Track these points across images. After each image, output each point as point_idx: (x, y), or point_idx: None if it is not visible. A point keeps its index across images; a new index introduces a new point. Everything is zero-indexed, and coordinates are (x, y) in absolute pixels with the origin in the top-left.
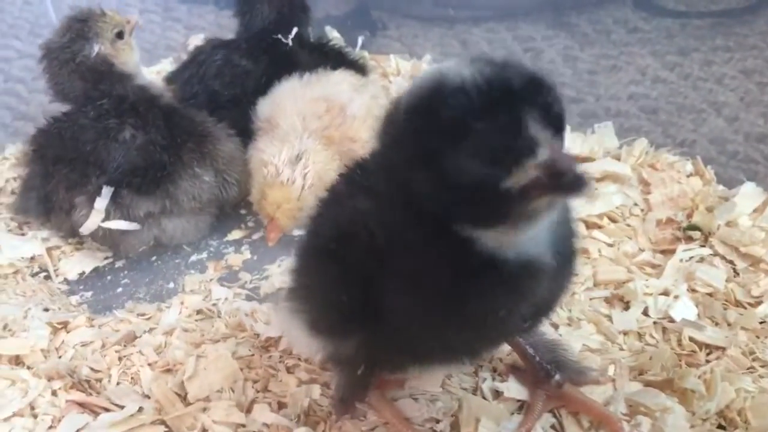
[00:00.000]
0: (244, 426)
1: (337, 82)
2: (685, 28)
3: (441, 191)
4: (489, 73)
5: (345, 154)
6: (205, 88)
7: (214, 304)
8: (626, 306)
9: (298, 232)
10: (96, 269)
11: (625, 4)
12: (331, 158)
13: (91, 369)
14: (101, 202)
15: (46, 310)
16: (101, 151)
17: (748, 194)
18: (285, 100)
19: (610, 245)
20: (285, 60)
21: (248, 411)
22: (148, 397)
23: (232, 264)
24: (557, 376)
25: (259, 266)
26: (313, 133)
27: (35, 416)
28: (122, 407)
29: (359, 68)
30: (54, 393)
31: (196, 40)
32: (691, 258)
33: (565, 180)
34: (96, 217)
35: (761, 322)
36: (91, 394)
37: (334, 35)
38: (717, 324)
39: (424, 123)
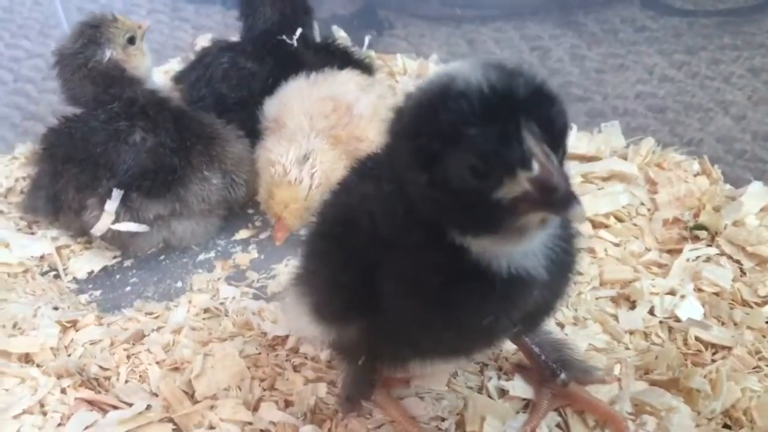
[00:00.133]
0: (251, 424)
1: (344, 81)
2: (693, 27)
3: (434, 196)
4: (494, 79)
5: (352, 153)
6: (212, 92)
7: (221, 303)
8: (632, 305)
9: (305, 232)
10: (105, 268)
11: (633, 3)
12: (338, 158)
13: (100, 367)
14: (111, 205)
15: (56, 308)
16: (111, 154)
17: (755, 194)
18: (292, 100)
19: (617, 245)
20: (290, 61)
21: (255, 409)
22: (156, 395)
23: (239, 263)
24: (563, 375)
25: (267, 265)
26: (320, 132)
27: (45, 414)
28: (131, 405)
29: (365, 68)
30: (63, 391)
31: (204, 41)
32: (697, 257)
33: (556, 197)
34: (106, 219)
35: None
36: (99, 392)
37: (340, 35)
38: (723, 323)
39: (424, 125)
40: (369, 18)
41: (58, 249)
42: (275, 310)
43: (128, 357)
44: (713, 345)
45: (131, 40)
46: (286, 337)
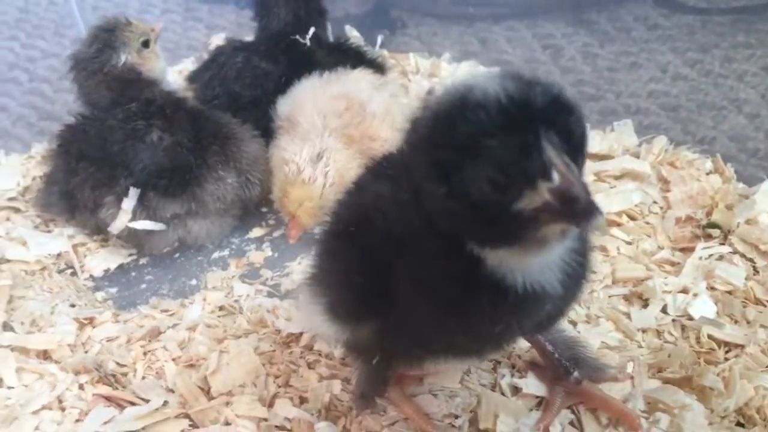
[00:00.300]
0: (266, 420)
1: (357, 80)
2: (706, 25)
3: (453, 208)
4: (513, 90)
5: (364, 152)
6: (226, 90)
7: (236, 301)
8: (645, 303)
9: (318, 230)
10: (120, 266)
11: (645, 1)
12: (351, 157)
13: (117, 363)
14: (129, 203)
15: (73, 305)
16: (129, 152)
17: None
18: (305, 99)
19: (629, 243)
20: (304, 60)
21: (270, 405)
22: (173, 392)
23: (253, 261)
24: (576, 373)
25: (280, 263)
26: (333, 131)
27: (63, 409)
28: (147, 401)
29: (378, 67)
30: (81, 387)
31: (218, 40)
32: (710, 256)
33: (577, 207)
34: (123, 217)
35: None
36: (117, 388)
37: (353, 34)
38: (736, 322)
39: (441, 136)
40: (382, 17)
41: (75, 247)
42: (289, 307)
43: (145, 354)
44: (726, 343)
45: (145, 44)
46: (300, 334)
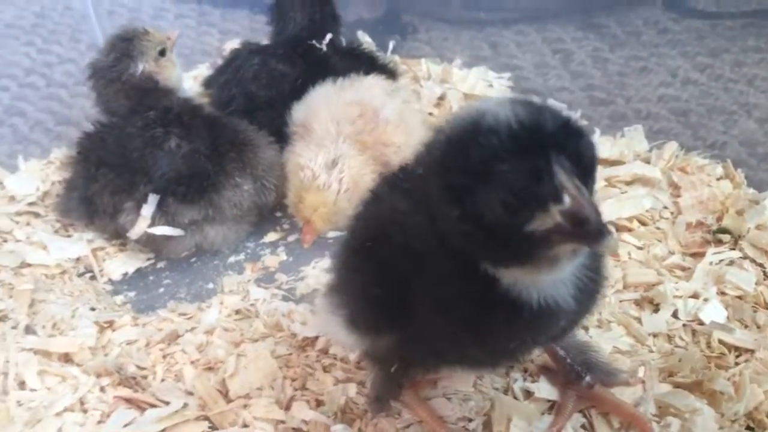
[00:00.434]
0: (283, 422)
1: (370, 87)
2: (716, 29)
3: (466, 229)
4: (523, 115)
5: (378, 158)
6: (242, 91)
7: (252, 305)
8: (656, 308)
9: (332, 235)
10: (138, 270)
11: (655, 5)
12: (365, 163)
13: (137, 366)
14: (148, 209)
15: (93, 309)
16: (148, 159)
17: None
18: (319, 105)
19: (640, 248)
20: (319, 64)
21: (287, 408)
22: (192, 394)
23: (268, 265)
24: (588, 377)
25: (295, 268)
26: (347, 137)
27: (85, 411)
28: (167, 403)
29: (390, 72)
30: (102, 389)
31: (232, 45)
32: (720, 261)
33: (588, 229)
34: (142, 223)
35: None
36: (137, 391)
37: (366, 39)
38: (746, 327)
39: (454, 160)
40: (393, 23)
41: (94, 251)
42: (304, 311)
43: (164, 357)
44: (736, 348)
45: (162, 52)
46: (316, 338)
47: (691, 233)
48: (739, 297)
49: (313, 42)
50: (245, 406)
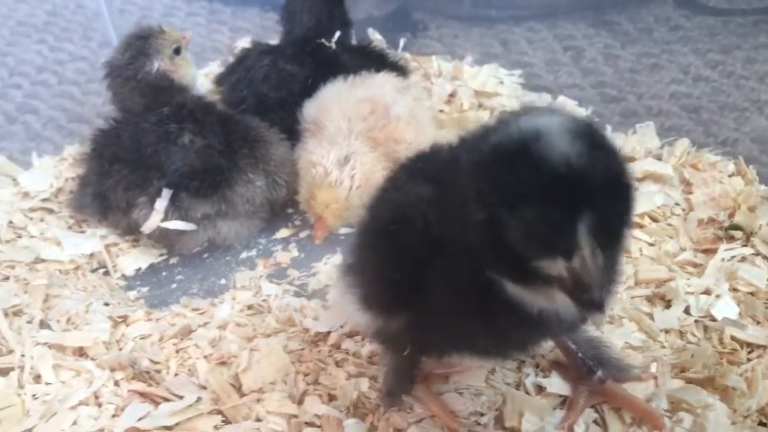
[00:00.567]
0: (296, 417)
1: (381, 84)
2: (728, 26)
3: (483, 235)
4: (575, 156)
5: (389, 155)
6: (253, 92)
7: (264, 300)
8: (667, 304)
9: (344, 231)
10: (151, 266)
11: (667, 2)
12: (377, 160)
13: (151, 361)
14: (161, 204)
15: (106, 304)
16: (161, 154)
17: None
18: (331, 103)
19: (652, 244)
20: (329, 62)
21: (300, 402)
22: (205, 388)
23: (280, 261)
24: (599, 373)
25: (307, 263)
26: (359, 134)
27: (99, 405)
28: (181, 397)
29: (400, 70)
30: (116, 383)
31: (243, 43)
32: (732, 257)
33: (584, 296)
34: (156, 217)
35: None
36: (151, 385)
37: (376, 37)
38: (758, 323)
39: (491, 174)
40: (403, 20)
41: (107, 247)
42: (316, 307)
43: (177, 351)
44: (749, 344)
45: (177, 51)
46: (328, 333)
47: (703, 230)
48: (751, 293)
49: (322, 40)
50: (258, 400)
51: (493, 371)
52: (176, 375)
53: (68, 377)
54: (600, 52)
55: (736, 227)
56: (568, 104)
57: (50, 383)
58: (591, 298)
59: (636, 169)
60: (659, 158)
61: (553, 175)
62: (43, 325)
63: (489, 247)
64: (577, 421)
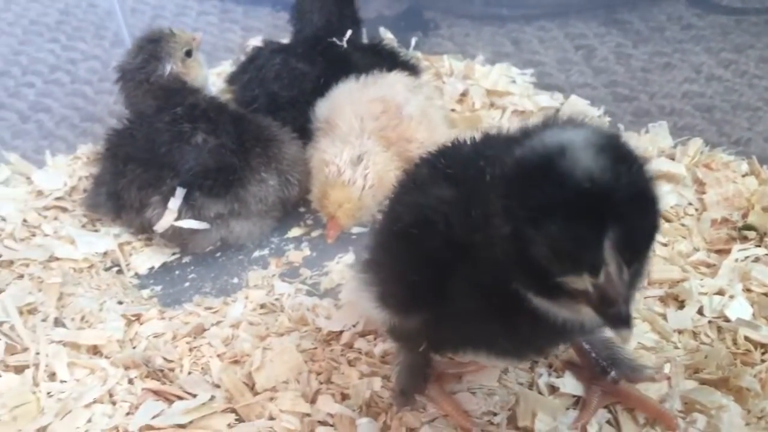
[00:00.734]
0: (309, 415)
1: (393, 83)
2: (741, 25)
3: (508, 249)
4: (600, 170)
5: (401, 154)
6: (264, 91)
7: (276, 299)
8: (681, 305)
9: (356, 230)
10: (164, 264)
11: (679, 1)
12: (390, 159)
13: (164, 359)
14: (175, 203)
15: (120, 302)
16: (175, 154)
17: None
18: (343, 102)
19: (665, 245)
20: (340, 61)
21: (313, 401)
22: (218, 387)
23: (292, 260)
24: (613, 373)
25: (319, 262)
26: (371, 134)
27: (114, 403)
28: (194, 395)
29: (412, 69)
30: (131, 381)
31: (255, 42)
32: (746, 258)
33: (610, 312)
34: (169, 216)
35: None
36: (165, 383)
37: (387, 36)
38: None
39: (516, 189)
40: (415, 19)
41: (121, 245)
42: (329, 306)
43: (190, 350)
44: (762, 345)
45: (189, 53)
46: (341, 332)
47: (716, 230)
48: (765, 294)
49: (333, 39)
50: (271, 398)
51: (506, 371)
52: (190, 373)
53: (83, 375)
54: (612, 51)
55: (750, 227)
56: (580, 103)
57: (65, 381)
58: (617, 313)
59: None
60: (672, 158)
61: (577, 191)
62: (58, 323)
63: (514, 260)
64: (590, 421)
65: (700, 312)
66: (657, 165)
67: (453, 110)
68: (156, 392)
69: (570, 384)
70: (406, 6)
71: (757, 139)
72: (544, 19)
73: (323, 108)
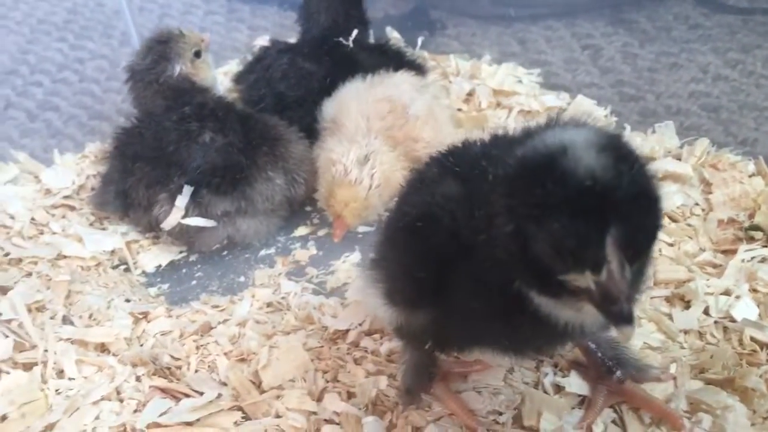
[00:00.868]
0: (315, 413)
1: (399, 83)
2: (748, 25)
3: (511, 247)
4: (601, 169)
5: (408, 154)
6: (271, 91)
7: (283, 298)
8: (687, 305)
9: (362, 230)
10: (171, 263)
11: (686, 1)
12: (396, 159)
13: (171, 357)
14: (182, 200)
15: (128, 300)
16: (183, 152)
17: None
18: (350, 102)
19: (671, 245)
20: (346, 61)
21: (319, 400)
22: (225, 385)
23: (299, 259)
24: (618, 373)
25: (325, 261)
26: (377, 133)
27: (121, 400)
28: (201, 393)
29: (418, 68)
30: (138, 379)
31: (262, 41)
32: (752, 258)
33: (612, 309)
34: (177, 213)
35: None
36: (172, 381)
37: (394, 35)
38: None
39: (519, 189)
40: (421, 18)
41: (128, 244)
42: (335, 305)
43: (197, 348)
44: None
45: (197, 54)
46: (347, 331)
47: (723, 230)
48: None
49: (340, 39)
50: (278, 396)
51: (511, 370)
52: (196, 371)
53: (90, 372)
54: (618, 51)
55: (756, 228)
56: (586, 103)
57: (73, 378)
58: (619, 311)
59: (655, 168)
60: (678, 158)
61: (579, 189)
62: (66, 320)
63: (517, 259)
64: (595, 420)
65: (706, 312)
66: (663, 165)
67: (459, 110)
68: (163, 390)
69: (575, 383)
70: (413, 6)
71: (764, 139)
72: (550, 19)
73: (330, 108)
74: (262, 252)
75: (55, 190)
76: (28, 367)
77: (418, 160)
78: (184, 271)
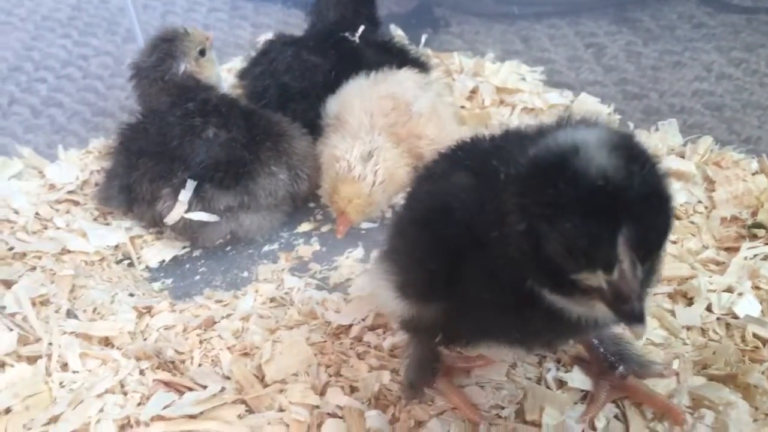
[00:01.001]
0: (318, 407)
1: (403, 80)
2: (751, 24)
3: (523, 246)
4: (613, 169)
5: (411, 151)
6: (275, 82)
7: (286, 293)
8: (690, 302)
9: (366, 226)
10: (175, 258)
11: (690, 0)
12: (400, 156)
13: (175, 351)
14: (185, 195)
15: (131, 295)
16: (186, 147)
17: None
18: (353, 98)
19: (674, 242)
20: (352, 56)
21: (322, 394)
22: (228, 378)
23: (302, 255)
24: (621, 368)
25: (328, 257)
26: (381, 130)
27: (125, 393)
28: (205, 387)
29: (422, 66)
30: (142, 372)
31: (266, 38)
32: (755, 256)
33: (624, 308)
34: (180, 208)
35: None
36: (175, 375)
37: (398, 33)
38: None
39: (530, 189)
40: (425, 16)
41: (132, 239)
42: (338, 300)
43: (201, 342)
44: None
45: (202, 52)
46: (350, 326)
47: (726, 228)
48: None
49: (346, 34)
50: (281, 390)
51: (514, 366)
52: (200, 365)
53: (94, 366)
54: (622, 49)
55: (759, 225)
56: (590, 101)
57: (77, 371)
58: (631, 309)
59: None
60: (682, 156)
61: (591, 189)
62: (70, 314)
63: (529, 258)
64: (597, 415)
65: (709, 309)
66: (667, 163)
67: (463, 107)
68: (167, 383)
69: (578, 379)
70: (417, 3)
71: (767, 137)
72: (554, 17)
73: (333, 104)
74: (266, 248)
75: (59, 185)
76: (32, 360)
77: (421, 157)
78: (187, 266)
